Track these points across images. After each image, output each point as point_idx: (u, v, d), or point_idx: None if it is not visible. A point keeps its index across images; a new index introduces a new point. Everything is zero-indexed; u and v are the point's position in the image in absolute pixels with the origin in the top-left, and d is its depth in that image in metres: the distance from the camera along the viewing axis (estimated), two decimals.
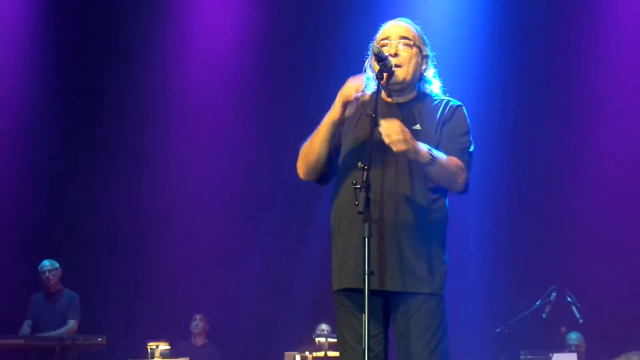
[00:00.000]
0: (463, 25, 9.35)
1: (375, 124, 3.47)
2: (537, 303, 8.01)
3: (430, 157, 3.48)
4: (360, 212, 3.37)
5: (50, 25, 10.07)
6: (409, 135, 3.44)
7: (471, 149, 3.71)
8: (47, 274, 8.66)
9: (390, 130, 3.42)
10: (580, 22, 9.46)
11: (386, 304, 3.64)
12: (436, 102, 3.78)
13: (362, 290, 3.36)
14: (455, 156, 3.62)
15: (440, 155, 3.54)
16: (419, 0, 9.52)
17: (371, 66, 3.79)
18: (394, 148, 3.42)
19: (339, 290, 3.67)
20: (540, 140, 9.46)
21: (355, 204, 3.36)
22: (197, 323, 9.42)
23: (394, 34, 3.77)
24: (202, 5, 10.24)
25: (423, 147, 3.48)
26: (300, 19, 9.96)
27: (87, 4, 10.07)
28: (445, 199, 3.70)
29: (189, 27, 10.18)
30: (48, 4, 10.10)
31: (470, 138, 3.73)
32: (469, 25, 9.41)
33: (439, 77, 3.85)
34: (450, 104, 3.76)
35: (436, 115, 3.72)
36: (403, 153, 3.46)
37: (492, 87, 9.22)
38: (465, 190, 3.68)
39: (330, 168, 3.78)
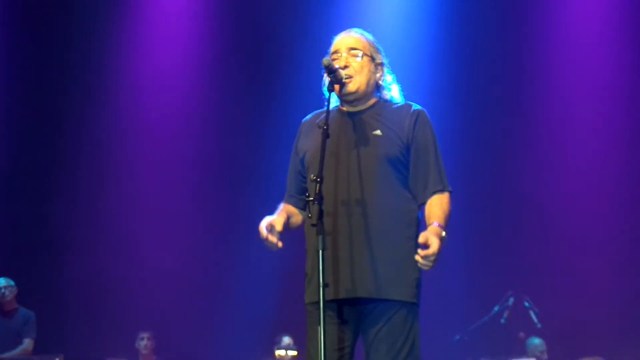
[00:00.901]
0: (417, 26, 9.37)
1: (326, 136, 3.49)
2: (495, 309, 8.04)
3: (445, 235, 3.55)
4: (313, 225, 3.37)
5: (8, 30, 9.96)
6: (436, 250, 3.46)
7: (442, 164, 3.75)
8: (2, 292, 8.51)
9: (429, 260, 3.46)
10: (532, 18, 9.52)
11: (356, 312, 3.63)
12: (396, 106, 3.81)
13: (332, 301, 3.39)
14: (431, 170, 3.69)
15: (442, 222, 3.59)
16: (373, 5, 9.53)
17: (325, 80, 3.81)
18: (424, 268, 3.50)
19: (308, 303, 3.67)
20: (498, 142, 9.49)
21: (310, 216, 3.36)
22: (145, 342, 9.24)
23: (342, 46, 3.79)
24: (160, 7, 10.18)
25: (437, 236, 3.49)
26: (262, 23, 9.94)
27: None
28: (412, 203, 3.70)
29: (148, 29, 10.11)
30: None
31: (438, 148, 3.76)
32: (423, 25, 9.42)
33: (398, 82, 3.87)
34: (412, 109, 3.78)
35: (398, 120, 3.73)
36: (356, 164, 3.58)
37: (450, 85, 9.22)
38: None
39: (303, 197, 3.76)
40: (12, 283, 8.59)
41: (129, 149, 9.98)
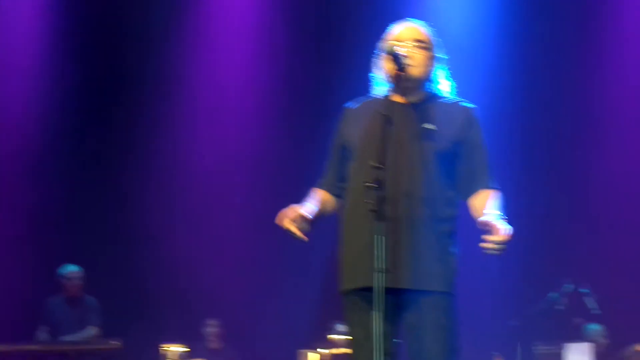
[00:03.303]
0: (473, 26, 9.33)
1: (388, 123, 3.50)
2: (554, 295, 7.99)
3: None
4: (373, 211, 3.38)
5: (60, 25, 10.07)
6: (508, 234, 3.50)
7: (492, 163, 3.79)
8: (75, 280, 8.68)
9: (502, 243, 3.49)
10: (594, 22, 9.43)
11: (398, 302, 3.65)
12: (449, 101, 3.83)
13: (374, 289, 3.37)
14: (481, 168, 3.74)
15: (499, 209, 3.64)
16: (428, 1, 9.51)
17: (379, 66, 3.84)
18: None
19: (349, 290, 3.68)
20: (557, 134, 9.44)
21: (369, 202, 3.38)
22: (212, 329, 9.38)
23: (407, 36, 3.80)
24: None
25: (505, 224, 3.53)
26: (312, 17, 9.95)
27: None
28: (454, 200, 3.74)
29: (205, 24, 10.18)
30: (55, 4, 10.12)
31: (487, 148, 3.80)
32: (479, 25, 9.39)
33: (451, 79, 3.89)
34: (464, 107, 3.81)
35: (450, 116, 3.76)
36: (418, 153, 3.63)
37: (504, 85, 9.19)
38: None
39: (345, 183, 3.82)
40: (81, 270, 8.77)
41: (195, 141, 10.05)
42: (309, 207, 3.71)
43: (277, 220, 3.64)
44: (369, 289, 3.52)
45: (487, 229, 3.55)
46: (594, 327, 8.45)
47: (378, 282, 3.36)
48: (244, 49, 10.15)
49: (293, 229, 3.59)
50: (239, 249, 9.87)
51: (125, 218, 9.76)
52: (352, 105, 3.93)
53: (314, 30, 9.95)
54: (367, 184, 3.39)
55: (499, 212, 3.62)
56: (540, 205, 9.29)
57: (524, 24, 9.42)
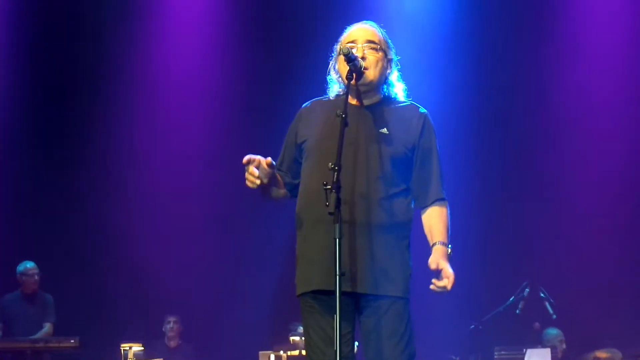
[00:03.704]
0: (425, 25, 9.34)
1: (345, 124, 3.48)
2: (511, 299, 8.02)
3: (450, 250, 3.70)
4: (330, 213, 3.35)
5: (23, 24, 9.97)
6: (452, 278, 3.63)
7: (442, 171, 3.81)
8: (32, 276, 8.60)
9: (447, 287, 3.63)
10: (549, 15, 9.48)
11: (354, 306, 3.66)
12: (402, 105, 3.83)
13: (332, 292, 3.35)
14: (434, 176, 3.76)
15: (445, 236, 3.71)
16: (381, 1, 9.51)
17: (335, 68, 3.82)
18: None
19: (306, 293, 3.67)
20: (512, 136, 9.48)
21: (325, 204, 3.35)
22: (172, 325, 9.35)
23: (360, 37, 3.80)
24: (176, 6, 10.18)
25: (445, 255, 3.65)
26: (268, 17, 9.94)
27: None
28: (409, 204, 3.76)
29: (163, 26, 10.12)
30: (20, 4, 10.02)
31: (439, 155, 3.81)
32: (431, 24, 9.39)
33: (403, 81, 3.89)
34: (418, 112, 3.81)
35: (404, 120, 3.76)
36: (374, 156, 3.64)
37: (458, 86, 9.20)
38: None
39: (295, 179, 3.83)
40: (37, 267, 8.69)
41: (152, 140, 9.99)
42: (269, 163, 3.62)
43: (244, 160, 3.58)
44: (324, 292, 3.52)
45: (435, 272, 3.64)
46: (553, 332, 8.50)
47: (338, 285, 3.33)
48: (198, 47, 10.08)
49: (252, 169, 3.55)
50: (198, 248, 9.82)
51: (84, 216, 9.69)
52: (308, 105, 3.92)
53: (270, 29, 9.91)
54: (326, 186, 3.36)
55: (443, 241, 3.68)
56: (498, 209, 9.33)
57: (478, 24, 9.43)
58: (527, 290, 7.98)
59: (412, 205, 3.77)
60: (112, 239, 9.67)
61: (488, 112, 9.41)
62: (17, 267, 8.70)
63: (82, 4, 9.90)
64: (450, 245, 3.67)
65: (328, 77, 3.84)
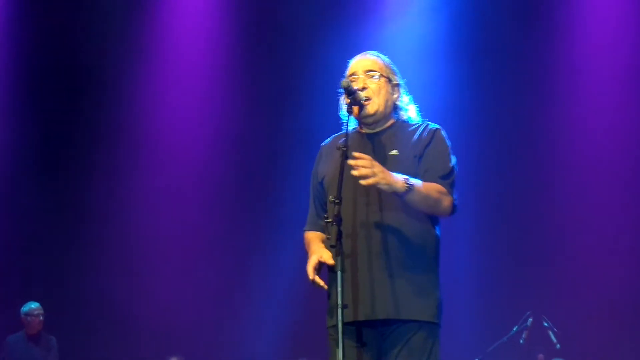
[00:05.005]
0: (433, 46, 9.33)
1: (345, 157, 3.50)
2: (514, 329, 8.01)
3: (407, 186, 3.49)
4: (332, 246, 3.38)
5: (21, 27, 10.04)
6: (378, 168, 3.45)
7: (453, 170, 3.72)
8: (38, 317, 8.61)
9: (359, 164, 3.44)
10: (548, 25, 9.51)
11: (377, 335, 3.64)
12: (413, 126, 3.82)
13: (354, 324, 3.42)
14: (439, 179, 3.65)
15: (418, 183, 3.55)
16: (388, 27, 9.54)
17: (342, 103, 3.85)
18: (362, 182, 3.44)
19: (331, 326, 3.67)
20: (515, 160, 9.46)
21: (327, 238, 3.38)
22: None
23: (359, 68, 3.83)
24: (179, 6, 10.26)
25: (398, 177, 3.49)
26: (269, 17, 9.99)
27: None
28: (432, 224, 3.70)
29: (165, 27, 10.19)
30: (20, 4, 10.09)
31: (452, 158, 3.74)
32: (439, 44, 9.38)
33: (415, 102, 3.90)
34: (428, 127, 3.80)
35: (414, 139, 3.74)
36: (375, 186, 3.47)
37: (467, 105, 9.21)
38: (453, 212, 3.70)
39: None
40: (41, 307, 8.71)
41: (153, 161, 10.03)
42: (326, 253, 3.60)
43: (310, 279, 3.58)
44: (348, 324, 3.52)
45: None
46: None
47: (340, 318, 3.36)
48: (201, 49, 10.13)
49: (317, 280, 3.56)
50: (199, 273, 9.80)
51: (90, 259, 9.67)
52: (326, 142, 3.95)
53: (271, 30, 9.92)
54: (326, 219, 3.38)
55: (403, 178, 3.49)
56: (499, 239, 9.31)
57: (474, 39, 9.45)
58: (530, 319, 7.97)
59: (437, 232, 3.71)
60: (110, 278, 9.65)
61: (487, 131, 9.39)
62: (22, 308, 8.71)
63: (83, 5, 9.97)
64: (409, 186, 3.48)
65: (340, 112, 3.85)
